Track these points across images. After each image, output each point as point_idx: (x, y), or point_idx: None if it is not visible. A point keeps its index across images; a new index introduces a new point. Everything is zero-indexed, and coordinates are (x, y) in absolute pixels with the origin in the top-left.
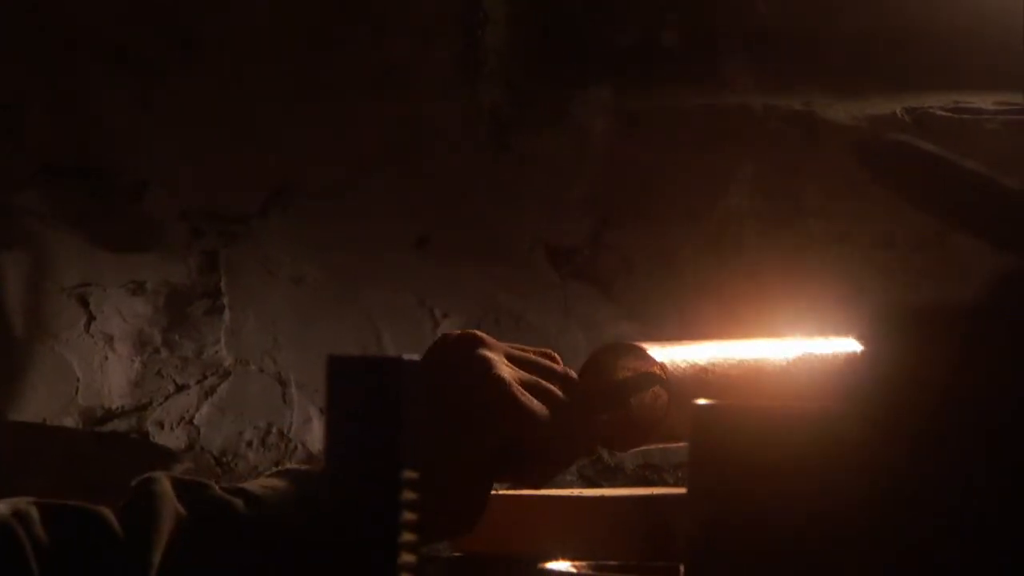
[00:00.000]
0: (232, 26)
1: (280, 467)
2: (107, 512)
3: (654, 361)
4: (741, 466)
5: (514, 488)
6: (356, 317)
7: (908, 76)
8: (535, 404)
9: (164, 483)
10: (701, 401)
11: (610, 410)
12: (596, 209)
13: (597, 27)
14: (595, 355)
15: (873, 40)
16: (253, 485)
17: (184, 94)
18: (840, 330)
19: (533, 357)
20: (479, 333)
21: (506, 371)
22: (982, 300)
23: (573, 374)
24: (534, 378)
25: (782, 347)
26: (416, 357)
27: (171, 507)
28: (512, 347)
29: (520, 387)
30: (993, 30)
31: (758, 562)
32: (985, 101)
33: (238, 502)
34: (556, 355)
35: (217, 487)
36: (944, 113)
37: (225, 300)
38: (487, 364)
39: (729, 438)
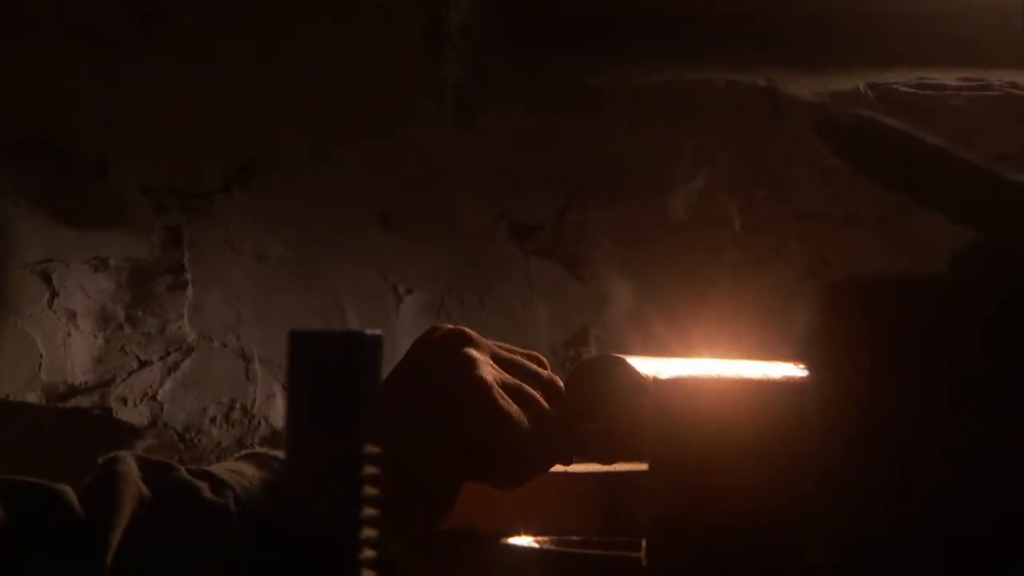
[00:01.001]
0: (195, 2)
1: (248, 449)
2: (68, 490)
3: (640, 375)
4: (702, 440)
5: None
6: (319, 293)
7: (871, 52)
8: (514, 408)
9: (129, 463)
10: (661, 376)
11: (592, 420)
12: (560, 185)
13: (560, 3)
14: (582, 365)
15: (836, 15)
16: (219, 469)
17: (147, 70)
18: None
19: (519, 360)
20: (468, 330)
21: (489, 373)
22: (944, 274)
23: (559, 381)
24: (517, 382)
25: (773, 369)
26: (378, 332)
27: (134, 488)
28: (500, 347)
29: (501, 390)
30: (957, 6)
31: (720, 535)
32: (948, 77)
33: (203, 485)
34: (543, 359)
35: (183, 469)
36: (907, 89)
37: (188, 276)
38: (471, 364)
39: (690, 412)
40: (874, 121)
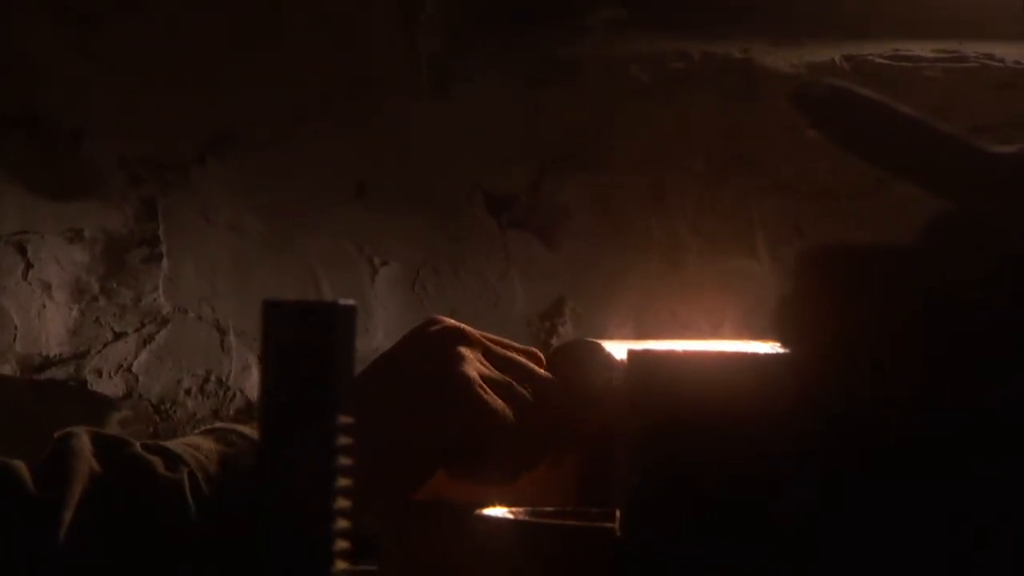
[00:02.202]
0: None
1: (218, 422)
2: (21, 466)
3: (615, 359)
4: (677, 411)
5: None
6: (295, 265)
7: (847, 23)
8: (498, 404)
9: (83, 439)
10: (635, 347)
11: (590, 413)
12: (536, 157)
13: None
14: (556, 352)
15: None
16: (176, 444)
17: (123, 41)
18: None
19: (512, 356)
20: (463, 328)
21: (475, 370)
22: (919, 244)
23: (552, 378)
24: (506, 379)
25: (747, 346)
26: (352, 302)
27: (86, 465)
28: (496, 344)
29: (486, 387)
30: None
31: (694, 506)
32: (924, 49)
33: (157, 461)
34: (540, 355)
35: (138, 445)
36: (883, 60)
37: (163, 248)
38: (457, 360)
39: (665, 384)
40: (849, 92)
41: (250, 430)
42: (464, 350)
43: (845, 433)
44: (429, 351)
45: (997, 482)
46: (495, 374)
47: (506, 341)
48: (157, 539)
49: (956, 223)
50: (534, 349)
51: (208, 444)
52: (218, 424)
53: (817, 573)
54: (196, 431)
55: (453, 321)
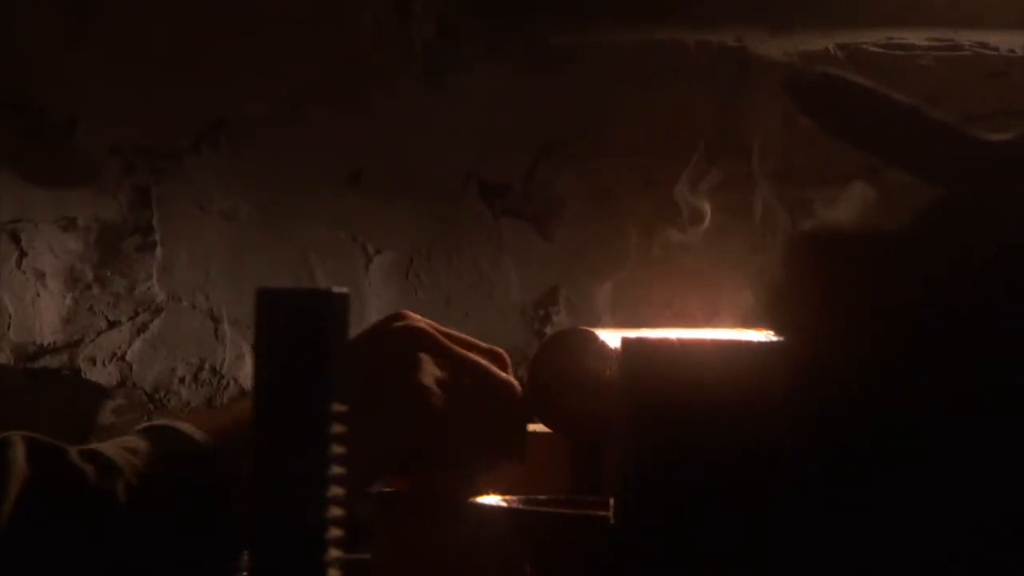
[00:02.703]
0: None
1: (148, 422)
2: None
3: (609, 348)
4: (671, 399)
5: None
6: (289, 253)
7: (841, 12)
8: (450, 410)
9: (18, 449)
10: (628, 334)
11: (564, 395)
12: (530, 146)
13: None
14: (550, 339)
15: None
16: (113, 447)
17: (117, 30)
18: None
19: (473, 358)
20: (425, 328)
21: (430, 375)
22: (909, 229)
23: (514, 382)
24: (463, 383)
25: (738, 335)
26: (345, 290)
27: (20, 475)
28: (458, 344)
29: (439, 392)
30: None
31: (687, 493)
32: (917, 37)
33: (89, 468)
34: (505, 356)
35: (74, 452)
36: (876, 49)
37: (157, 236)
38: (414, 364)
39: (658, 371)
40: (842, 79)
41: (189, 427)
42: (422, 354)
43: (838, 420)
44: (388, 352)
45: (990, 467)
46: (451, 378)
47: (470, 340)
48: (86, 549)
49: (949, 211)
50: (498, 349)
51: (144, 446)
52: (157, 421)
53: (811, 559)
54: (136, 427)
55: (417, 319)
